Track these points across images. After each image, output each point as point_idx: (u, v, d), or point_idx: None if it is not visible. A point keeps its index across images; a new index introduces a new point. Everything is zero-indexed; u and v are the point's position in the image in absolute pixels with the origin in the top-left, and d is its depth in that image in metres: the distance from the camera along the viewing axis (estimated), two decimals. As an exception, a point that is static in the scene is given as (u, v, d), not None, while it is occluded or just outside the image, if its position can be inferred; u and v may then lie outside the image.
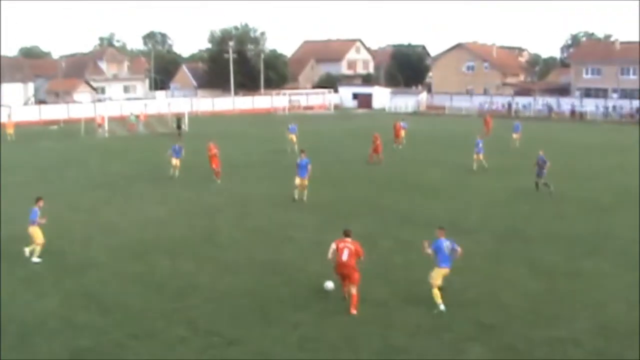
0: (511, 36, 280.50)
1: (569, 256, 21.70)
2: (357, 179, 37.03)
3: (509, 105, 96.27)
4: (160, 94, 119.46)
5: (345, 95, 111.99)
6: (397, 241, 23.53)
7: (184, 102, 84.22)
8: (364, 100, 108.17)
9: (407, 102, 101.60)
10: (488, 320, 16.38)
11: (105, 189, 33.88)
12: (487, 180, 36.55)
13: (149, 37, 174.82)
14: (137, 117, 70.21)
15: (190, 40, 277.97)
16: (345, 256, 16.88)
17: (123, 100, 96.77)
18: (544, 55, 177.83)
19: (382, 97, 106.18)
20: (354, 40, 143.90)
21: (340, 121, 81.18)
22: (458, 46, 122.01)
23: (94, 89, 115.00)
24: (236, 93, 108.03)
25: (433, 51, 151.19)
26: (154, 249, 22.60)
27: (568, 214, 28.13)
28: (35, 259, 21.12)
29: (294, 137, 49.09)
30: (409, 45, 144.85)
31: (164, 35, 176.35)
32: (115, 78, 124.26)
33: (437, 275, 17.21)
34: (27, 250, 21.33)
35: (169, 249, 22.60)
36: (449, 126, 73.16)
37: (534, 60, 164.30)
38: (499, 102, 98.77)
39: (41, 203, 21.70)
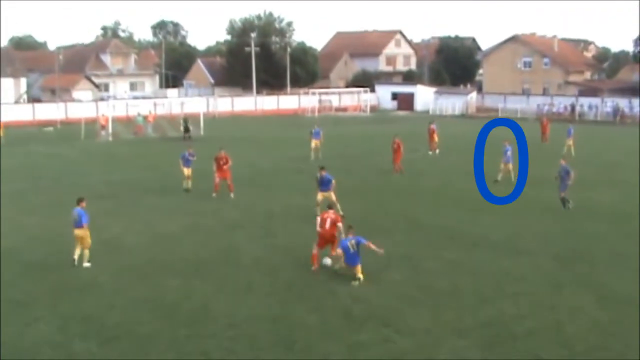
0: (575, 27, 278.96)
1: (642, 282, 21.44)
2: (394, 190, 36.96)
3: (572, 107, 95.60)
4: (171, 92, 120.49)
5: (383, 95, 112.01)
6: (442, 262, 23.43)
7: (199, 101, 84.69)
8: (405, 101, 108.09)
9: (454, 103, 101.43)
10: (548, 356, 16.24)
11: (108, 201, 34.13)
12: (543, 192, 36.23)
13: (160, 26, 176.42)
14: (145, 118, 70.83)
15: (206, 31, 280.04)
16: (327, 225, 21.97)
17: (129, 99, 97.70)
18: (614, 49, 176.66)
19: (426, 97, 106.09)
20: (393, 32, 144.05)
21: (377, 125, 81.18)
22: (513, 39, 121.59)
23: (96, 85, 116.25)
24: (259, 92, 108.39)
25: (484, 44, 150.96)
26: (164, 268, 22.72)
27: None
28: (87, 264, 22.68)
29: (318, 143, 48.81)
30: (457, 37, 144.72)
31: (176, 25, 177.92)
32: (121, 73, 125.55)
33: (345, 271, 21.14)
34: (75, 257, 22.69)
35: (181, 268, 22.70)
36: (502, 131, 72.70)
37: (602, 55, 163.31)
38: (561, 103, 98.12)
39: (84, 204, 23.04)
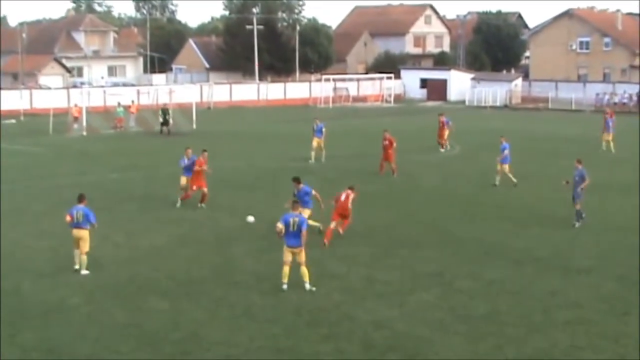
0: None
1: None
2: (424, 196, 36.96)
3: (638, 96, 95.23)
4: (158, 78, 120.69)
5: (410, 82, 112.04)
6: (480, 281, 23.36)
7: (190, 89, 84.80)
8: (436, 89, 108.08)
9: (495, 91, 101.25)
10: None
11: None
12: (601, 201, 36.13)
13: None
14: (127, 108, 70.93)
15: (200, 6, 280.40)
16: (343, 197, 26.19)
17: (107, 86, 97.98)
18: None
19: (461, 84, 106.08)
20: (423, 7, 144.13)
21: (403, 117, 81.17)
22: (567, 14, 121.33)
23: (68, 69, 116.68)
24: (262, 78, 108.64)
25: (532, 22, 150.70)
26: (147, 289, 22.72)
27: None
28: (84, 272, 23.86)
29: (320, 142, 47.58)
30: (499, 13, 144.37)
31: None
32: (97, 55, 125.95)
33: (285, 254, 22.44)
34: (77, 264, 24.15)
35: (168, 289, 22.71)
36: (552, 125, 72.66)
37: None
38: (625, 92, 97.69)
39: (86, 201, 24.52)
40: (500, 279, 23.39)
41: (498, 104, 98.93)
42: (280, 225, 21.30)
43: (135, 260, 25.73)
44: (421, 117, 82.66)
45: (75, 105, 69.53)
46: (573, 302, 21.49)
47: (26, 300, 21.71)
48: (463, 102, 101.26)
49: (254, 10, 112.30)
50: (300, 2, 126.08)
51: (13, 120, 75.94)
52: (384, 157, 42.44)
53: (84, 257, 24.00)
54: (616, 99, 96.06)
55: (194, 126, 66.48)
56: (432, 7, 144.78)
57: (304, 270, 22.41)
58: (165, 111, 64.48)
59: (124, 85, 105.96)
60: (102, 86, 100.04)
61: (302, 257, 22.43)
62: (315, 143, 47.64)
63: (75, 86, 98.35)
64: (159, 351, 18.13)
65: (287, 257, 22.40)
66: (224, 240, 28.43)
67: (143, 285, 23.03)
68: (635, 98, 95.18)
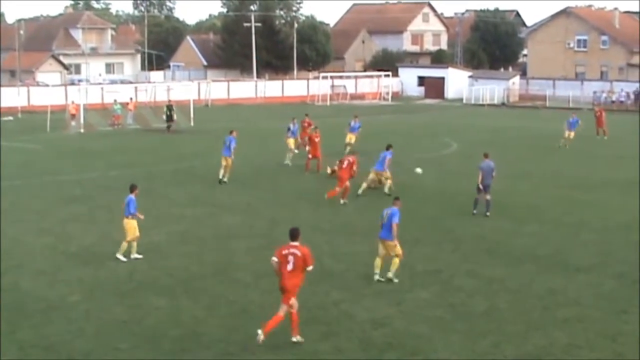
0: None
1: None
2: (423, 193, 36.91)
3: (636, 95, 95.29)
4: (156, 75, 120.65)
5: (407, 80, 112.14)
6: (479, 279, 23.37)
7: (188, 86, 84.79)
8: (434, 87, 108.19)
9: (493, 89, 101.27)
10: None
11: (80, 204, 34.20)
12: (600, 198, 36.18)
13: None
14: (124, 105, 70.93)
15: (197, 3, 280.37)
16: (290, 266, 18.30)
17: (105, 84, 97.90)
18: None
19: (459, 82, 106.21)
20: (420, 4, 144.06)
21: (401, 115, 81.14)
22: (565, 12, 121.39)
23: (65, 66, 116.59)
24: (260, 76, 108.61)
25: (530, 19, 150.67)
26: (146, 285, 22.73)
27: None
28: (135, 255, 25.16)
29: (292, 142, 46.50)
30: (497, 11, 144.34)
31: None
32: (95, 53, 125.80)
33: (378, 246, 22.77)
34: (120, 254, 24.98)
35: (167, 286, 22.72)
36: (550, 124, 72.53)
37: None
38: (622, 90, 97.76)
39: (137, 191, 25.68)
40: (499, 277, 23.40)
41: (496, 102, 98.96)
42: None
43: (133, 254, 25.66)
44: (419, 115, 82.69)
45: (73, 103, 69.50)
46: (572, 300, 21.51)
47: (25, 297, 21.68)
48: (461, 100, 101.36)
49: (252, 7, 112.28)
50: (298, 0, 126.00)
51: (10, 118, 75.82)
52: (311, 152, 42.58)
53: (124, 244, 25.14)
54: (614, 97, 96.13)
55: (192, 123, 66.42)
56: (430, 5, 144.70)
57: (395, 260, 22.72)
58: (170, 107, 64.52)
59: (122, 82, 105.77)
60: (100, 83, 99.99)
61: (392, 249, 22.64)
62: (348, 138, 48.54)
63: (72, 83, 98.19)
64: (158, 348, 18.12)
65: (379, 249, 22.89)
66: (223, 238, 28.43)
67: (142, 282, 23.03)
68: (632, 96, 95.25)
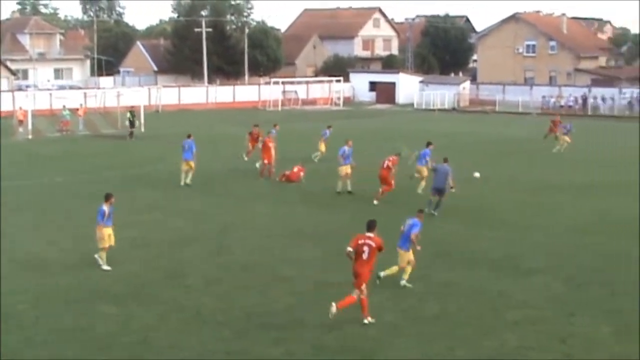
0: (588, 4, 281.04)
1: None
2: (373, 198, 36.98)
3: (584, 99, 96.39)
4: (105, 80, 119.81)
5: (359, 85, 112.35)
6: (431, 283, 23.46)
7: (138, 92, 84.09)
8: (385, 92, 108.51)
9: (444, 94, 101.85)
10: (557, 395, 16.28)
11: (27, 212, 33.83)
12: (551, 202, 36.52)
13: (91, 1, 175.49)
14: (74, 111, 70.33)
15: (148, 8, 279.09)
16: (365, 255, 19.81)
17: (53, 89, 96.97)
18: (635, 29, 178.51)
19: (409, 87, 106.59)
20: (371, 10, 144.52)
21: (352, 120, 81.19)
22: (513, 18, 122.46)
23: (12, 72, 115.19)
24: (211, 81, 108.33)
25: (479, 25, 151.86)
26: (96, 293, 22.48)
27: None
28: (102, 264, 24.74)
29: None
30: (447, 16, 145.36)
31: (111, 0, 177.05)
32: (43, 58, 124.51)
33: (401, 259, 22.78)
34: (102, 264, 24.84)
35: (118, 293, 22.51)
36: (500, 128, 73.21)
37: (621, 37, 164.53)
38: (571, 95, 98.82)
39: (112, 200, 25.12)
40: (451, 281, 23.51)
41: (446, 106, 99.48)
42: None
43: (84, 264, 25.35)
44: (370, 120, 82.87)
45: (21, 109, 68.63)
46: (523, 302, 21.67)
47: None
48: (411, 105, 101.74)
49: (203, 12, 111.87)
50: (249, 5, 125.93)
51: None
52: (264, 157, 42.28)
53: (102, 253, 24.94)
54: (562, 102, 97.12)
55: (143, 129, 66.01)
56: (380, 10, 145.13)
57: (407, 268, 22.92)
58: (132, 113, 64.19)
59: (71, 88, 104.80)
60: (48, 89, 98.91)
61: (402, 258, 22.90)
62: (321, 147, 49.31)
63: (20, 89, 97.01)
64: (109, 356, 17.96)
65: (399, 258, 22.97)
66: (175, 244, 28.28)
67: (93, 289, 22.79)
68: (580, 101, 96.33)
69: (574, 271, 24.99)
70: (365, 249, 19.75)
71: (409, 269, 22.93)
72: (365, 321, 19.59)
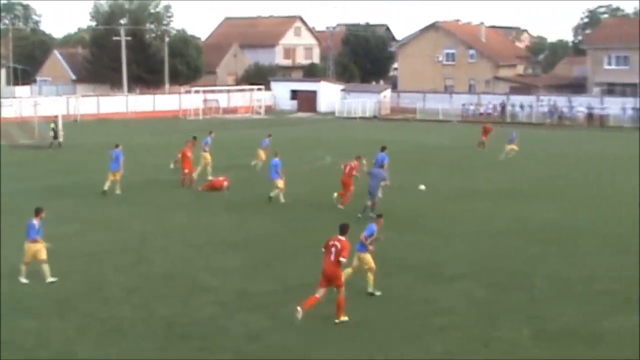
0: (506, 13, 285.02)
1: (589, 312, 21.86)
2: (298, 206, 36.98)
3: (503, 106, 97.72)
4: (22, 90, 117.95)
5: (280, 94, 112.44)
6: (352, 290, 23.33)
7: (56, 101, 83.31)
8: (306, 101, 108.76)
9: (365, 102, 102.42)
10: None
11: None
12: (478, 208, 36.86)
13: (6, 8, 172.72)
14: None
15: (65, 16, 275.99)
16: (332, 256, 20.33)
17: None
18: (551, 38, 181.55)
19: (331, 96, 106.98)
20: (292, 18, 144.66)
21: (274, 129, 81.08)
22: (433, 27, 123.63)
23: None
24: (130, 90, 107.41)
25: (399, 34, 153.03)
26: (15, 308, 22.07)
27: (587, 253, 28.44)
28: (23, 278, 24.23)
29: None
30: (367, 25, 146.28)
31: (26, 8, 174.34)
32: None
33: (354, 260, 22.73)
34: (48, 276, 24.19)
35: (37, 307, 22.16)
36: (420, 136, 73.80)
37: (538, 45, 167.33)
38: (490, 102, 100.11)
39: (43, 214, 24.67)
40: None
41: (367, 114, 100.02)
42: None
43: (5, 278, 24.92)
44: (292, 128, 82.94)
45: None
46: (446, 308, 21.78)
47: None
48: (333, 113, 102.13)
49: (122, 21, 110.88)
50: (169, 13, 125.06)
51: None
52: (184, 165, 42.34)
53: (44, 267, 24.34)
54: (481, 109, 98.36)
55: (61, 139, 65.15)
56: (301, 19, 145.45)
57: (370, 276, 22.96)
58: (56, 123, 63.38)
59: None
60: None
61: (363, 261, 22.97)
62: (260, 156, 49.22)
63: None
64: (27, 370, 17.67)
65: (353, 261, 22.96)
66: (93, 255, 27.92)
67: (9, 305, 22.33)
68: (499, 108, 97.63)
69: (495, 276, 25.24)
70: (333, 250, 20.31)
71: (371, 277, 22.92)
72: (337, 321, 20.24)
